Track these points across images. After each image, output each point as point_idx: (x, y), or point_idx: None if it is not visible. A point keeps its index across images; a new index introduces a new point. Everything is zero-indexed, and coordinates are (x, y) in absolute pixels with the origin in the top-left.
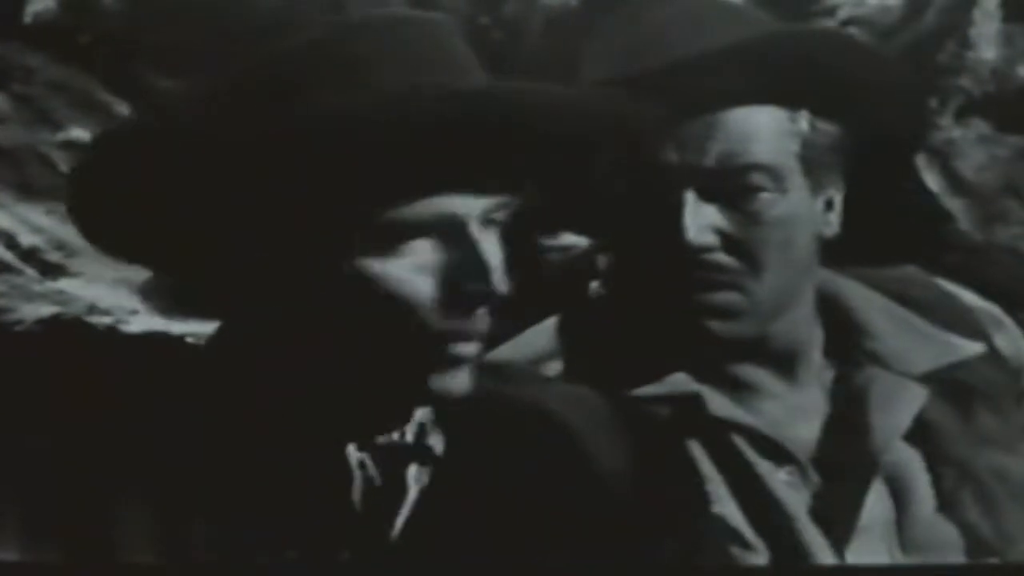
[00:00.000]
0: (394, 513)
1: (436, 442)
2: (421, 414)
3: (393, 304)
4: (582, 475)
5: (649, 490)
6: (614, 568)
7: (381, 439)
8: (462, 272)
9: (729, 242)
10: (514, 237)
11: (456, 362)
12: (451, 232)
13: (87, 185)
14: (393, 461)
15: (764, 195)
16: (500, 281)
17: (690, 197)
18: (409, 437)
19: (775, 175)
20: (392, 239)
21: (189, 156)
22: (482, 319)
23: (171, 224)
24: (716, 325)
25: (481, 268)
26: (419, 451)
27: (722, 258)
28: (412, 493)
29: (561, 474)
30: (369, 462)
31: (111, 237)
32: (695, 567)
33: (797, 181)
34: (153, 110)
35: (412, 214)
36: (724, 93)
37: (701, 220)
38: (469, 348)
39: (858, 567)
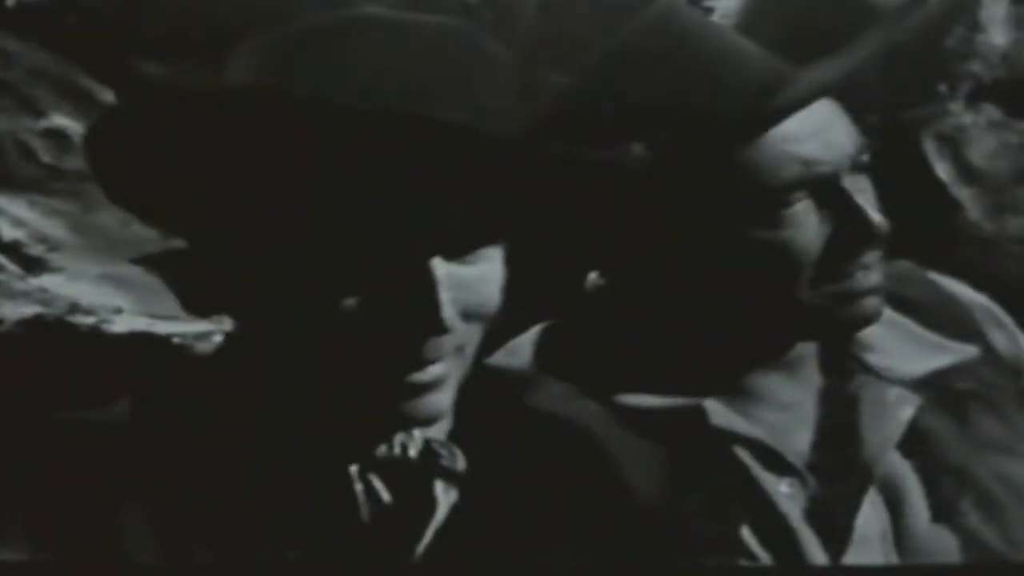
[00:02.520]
0: (403, 533)
1: (450, 459)
2: (431, 430)
3: (354, 328)
4: (614, 496)
5: (680, 513)
6: None
7: (382, 455)
8: (408, 303)
9: None
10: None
11: (419, 388)
12: (405, 259)
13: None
14: (398, 478)
15: (863, 173)
16: (451, 316)
17: (848, 184)
18: (413, 453)
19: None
20: (350, 265)
21: (181, 140)
22: (440, 346)
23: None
24: (873, 303)
25: (428, 301)
26: (427, 468)
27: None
28: (441, 511)
29: (593, 495)
30: (375, 479)
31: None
32: (696, 568)
33: None
34: (149, 95)
35: (360, 240)
36: None
37: (868, 203)
38: (426, 375)
39: (858, 568)
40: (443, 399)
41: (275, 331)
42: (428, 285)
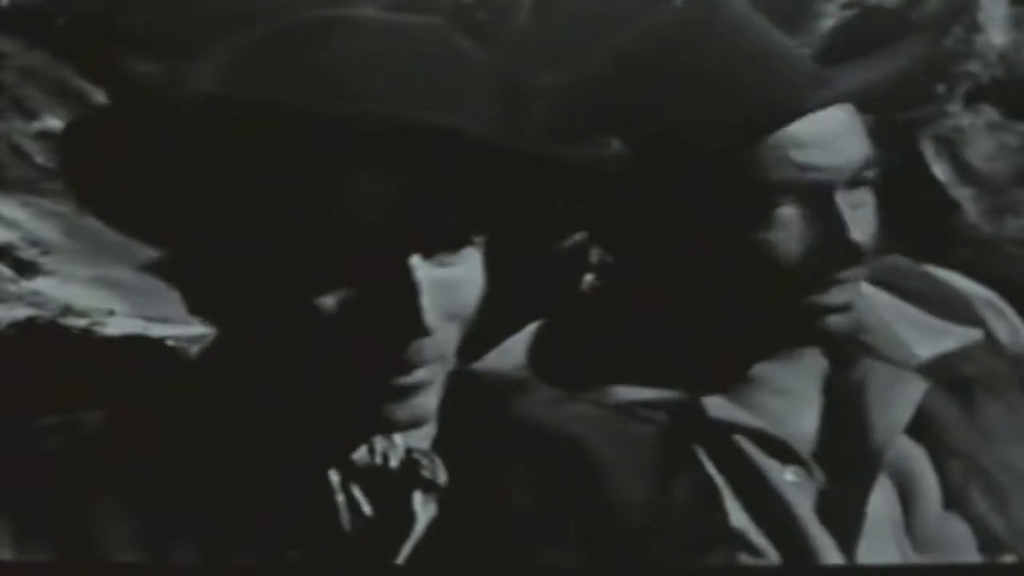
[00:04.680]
0: (382, 546)
1: (431, 469)
2: (412, 440)
3: (337, 333)
4: (601, 504)
5: (669, 522)
6: None
7: (364, 464)
8: (388, 311)
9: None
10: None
11: (404, 392)
12: (383, 265)
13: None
14: (379, 489)
15: (867, 187)
16: (433, 320)
17: (840, 199)
18: (394, 463)
19: (872, 167)
20: (329, 267)
21: (163, 143)
22: (423, 350)
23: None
24: (838, 320)
25: (410, 305)
26: (408, 479)
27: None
28: (419, 526)
29: (579, 504)
30: (356, 489)
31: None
32: (697, 567)
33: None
34: (135, 95)
35: (348, 241)
36: None
37: (853, 220)
38: (411, 379)
39: (863, 567)
40: (428, 402)
41: (257, 336)
42: (410, 289)
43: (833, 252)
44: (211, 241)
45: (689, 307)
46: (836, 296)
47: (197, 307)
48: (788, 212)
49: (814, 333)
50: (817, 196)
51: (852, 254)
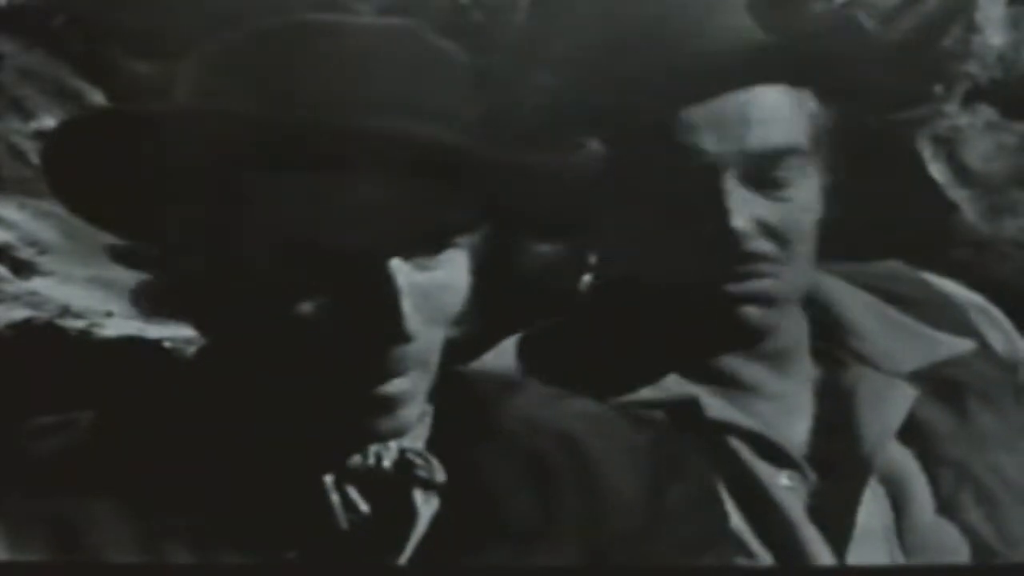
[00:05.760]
0: (384, 543)
1: (426, 469)
2: (406, 440)
3: (318, 341)
4: (597, 500)
5: (664, 520)
6: None
7: (356, 465)
8: (364, 311)
9: (766, 228)
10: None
11: (385, 402)
12: (361, 267)
13: (66, 159)
14: (375, 489)
15: (795, 178)
16: (415, 325)
17: (731, 183)
18: (388, 463)
19: (803, 157)
20: (308, 273)
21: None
22: (405, 357)
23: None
24: (752, 312)
25: (391, 311)
26: (403, 479)
27: (762, 245)
28: (422, 521)
29: (575, 500)
30: (352, 489)
31: (90, 207)
32: (695, 568)
33: (812, 163)
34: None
35: (307, 243)
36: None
37: (743, 207)
38: (392, 387)
39: (858, 568)
40: (409, 413)
41: (238, 342)
42: (391, 295)
43: (715, 239)
44: (190, 246)
45: (640, 306)
46: (750, 286)
47: (179, 312)
48: (678, 195)
49: (730, 324)
50: (702, 180)
51: (733, 242)
